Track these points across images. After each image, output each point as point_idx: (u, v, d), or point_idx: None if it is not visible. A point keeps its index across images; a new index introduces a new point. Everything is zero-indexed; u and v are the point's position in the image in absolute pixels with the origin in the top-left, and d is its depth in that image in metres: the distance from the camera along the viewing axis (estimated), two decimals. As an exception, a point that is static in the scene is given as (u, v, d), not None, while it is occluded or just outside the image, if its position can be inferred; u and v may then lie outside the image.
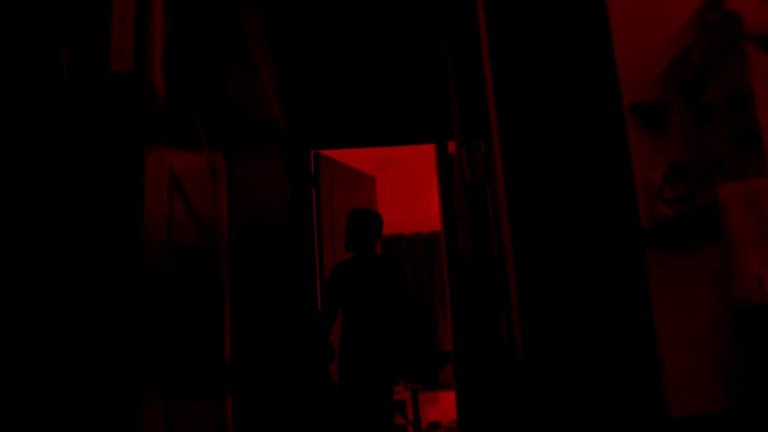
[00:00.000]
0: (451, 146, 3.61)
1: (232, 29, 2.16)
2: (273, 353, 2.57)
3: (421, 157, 5.03)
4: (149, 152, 0.94)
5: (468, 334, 3.39)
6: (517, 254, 1.82)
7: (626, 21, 1.99)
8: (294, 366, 3.15)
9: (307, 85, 3.68)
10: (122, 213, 0.88)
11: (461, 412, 3.49)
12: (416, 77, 3.71)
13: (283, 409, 2.71)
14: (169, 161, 1.08)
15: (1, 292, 0.77)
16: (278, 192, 3.13)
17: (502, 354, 1.98)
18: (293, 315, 3.30)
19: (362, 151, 4.51)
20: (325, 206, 3.81)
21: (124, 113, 0.91)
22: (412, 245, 7.30)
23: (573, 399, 1.73)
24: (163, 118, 1.04)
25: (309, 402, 3.38)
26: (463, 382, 3.46)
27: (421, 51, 3.72)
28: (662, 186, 1.83)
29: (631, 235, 1.84)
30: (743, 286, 1.41)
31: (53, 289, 0.83)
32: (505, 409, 1.97)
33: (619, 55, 1.96)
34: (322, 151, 3.88)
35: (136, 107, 0.91)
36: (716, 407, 1.74)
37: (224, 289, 1.79)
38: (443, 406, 5.58)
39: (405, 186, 5.94)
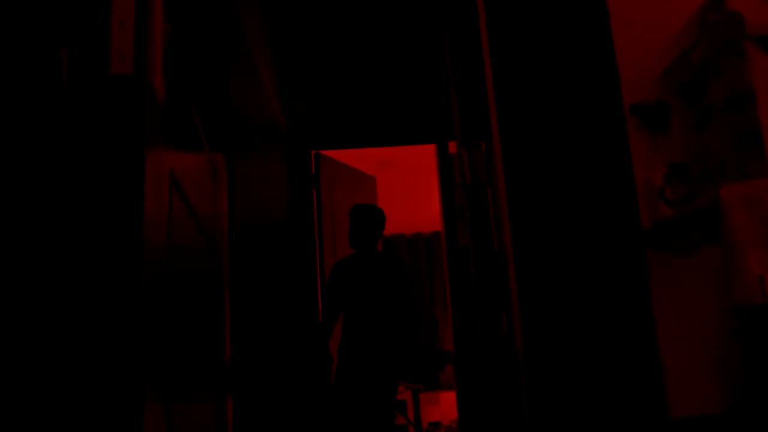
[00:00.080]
0: (452, 146, 3.61)
1: (232, 29, 2.16)
2: (273, 353, 2.57)
3: (422, 158, 5.03)
4: (149, 153, 0.94)
5: (468, 335, 3.39)
6: (517, 254, 1.82)
7: (627, 21, 1.99)
8: (294, 366, 3.15)
9: (307, 85, 3.68)
10: (122, 213, 0.89)
11: (462, 412, 3.49)
12: (416, 77, 3.70)
13: (284, 409, 2.71)
14: (169, 162, 1.09)
15: (1, 293, 0.77)
16: (279, 192, 3.13)
17: (502, 354, 1.98)
18: (293, 315, 3.29)
19: (362, 151, 4.51)
20: (325, 206, 3.81)
21: (124, 115, 0.91)
22: (412, 245, 7.31)
23: (574, 399, 1.73)
24: (163, 119, 1.04)
25: (309, 402, 3.38)
26: (464, 382, 3.46)
27: (422, 51, 3.72)
28: (663, 186, 1.83)
29: (632, 235, 1.84)
30: (744, 287, 1.41)
31: (54, 289, 0.83)
32: (505, 410, 1.97)
33: (620, 56, 1.96)
34: (323, 152, 3.88)
35: (136, 109, 0.92)
36: (716, 408, 1.74)
37: (224, 289, 1.79)
38: (444, 406, 5.58)
39: (405, 186, 5.94)
